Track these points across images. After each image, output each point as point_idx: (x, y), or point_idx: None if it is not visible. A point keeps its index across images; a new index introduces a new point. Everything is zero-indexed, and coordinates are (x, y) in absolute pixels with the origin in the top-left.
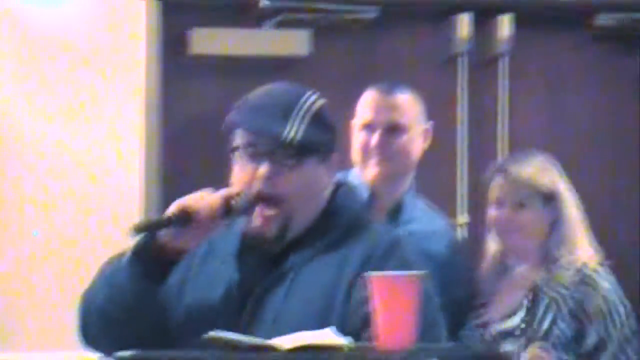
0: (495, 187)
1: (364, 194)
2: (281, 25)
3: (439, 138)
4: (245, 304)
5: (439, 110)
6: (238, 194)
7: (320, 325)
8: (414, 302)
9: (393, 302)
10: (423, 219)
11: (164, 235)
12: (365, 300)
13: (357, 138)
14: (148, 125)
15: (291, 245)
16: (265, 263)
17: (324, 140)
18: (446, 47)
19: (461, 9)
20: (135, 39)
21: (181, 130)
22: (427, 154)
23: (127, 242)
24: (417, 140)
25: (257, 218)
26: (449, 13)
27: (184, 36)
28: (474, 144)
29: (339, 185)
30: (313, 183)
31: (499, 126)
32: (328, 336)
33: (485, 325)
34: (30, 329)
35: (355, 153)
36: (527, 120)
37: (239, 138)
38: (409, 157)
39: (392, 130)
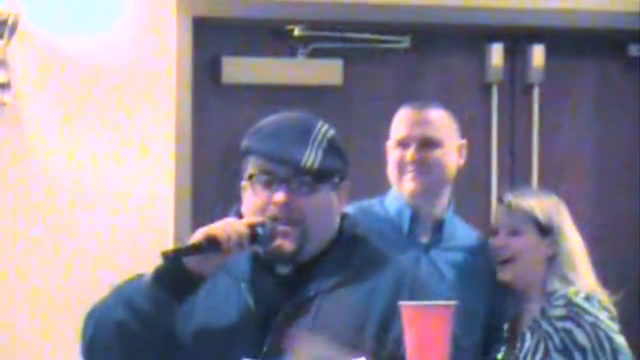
0: (494, 215)
1: (406, 212)
2: (314, 54)
3: (473, 164)
4: (262, 330)
5: (473, 137)
6: (260, 223)
7: (352, 348)
8: (446, 331)
9: (424, 331)
10: (463, 235)
11: (190, 261)
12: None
13: (393, 155)
14: (179, 154)
15: (305, 270)
16: (281, 289)
17: (338, 167)
18: (479, 75)
19: (494, 37)
20: (167, 67)
21: (212, 160)
22: (462, 179)
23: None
24: (451, 154)
25: (280, 238)
26: (481, 41)
27: (216, 65)
28: (508, 170)
29: (343, 217)
30: (327, 209)
31: (533, 153)
32: None
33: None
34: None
35: (392, 170)
36: (561, 147)
37: (252, 165)
38: (444, 171)
39: (427, 144)
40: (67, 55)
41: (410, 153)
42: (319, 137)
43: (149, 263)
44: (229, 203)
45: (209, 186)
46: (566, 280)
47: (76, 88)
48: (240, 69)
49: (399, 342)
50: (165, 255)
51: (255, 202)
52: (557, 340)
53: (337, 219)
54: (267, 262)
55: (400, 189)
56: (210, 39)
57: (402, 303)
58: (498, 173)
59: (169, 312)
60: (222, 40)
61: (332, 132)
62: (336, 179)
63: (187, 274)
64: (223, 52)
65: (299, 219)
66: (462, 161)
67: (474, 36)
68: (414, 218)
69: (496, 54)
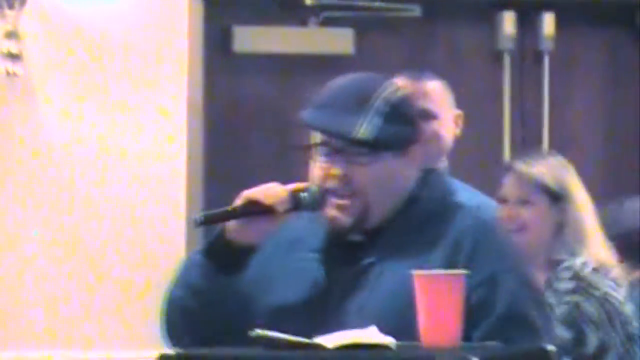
0: (503, 184)
1: None
2: (325, 23)
3: (484, 133)
4: (329, 299)
5: (484, 106)
6: (306, 189)
7: (403, 319)
8: (458, 300)
9: (437, 300)
10: (466, 196)
11: (231, 230)
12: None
13: None
14: (191, 123)
15: (373, 238)
16: (350, 257)
17: (401, 133)
18: (490, 44)
19: (505, 5)
20: (178, 37)
21: (224, 129)
22: (473, 148)
23: (173, 243)
24: (448, 126)
25: (331, 209)
26: (492, 9)
27: (227, 34)
28: (519, 139)
29: (427, 173)
30: (390, 177)
31: (544, 121)
32: (373, 335)
33: None
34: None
35: None
36: (571, 116)
37: (311, 135)
38: (440, 143)
39: (423, 117)
40: (78, 26)
41: None
42: (378, 102)
43: (161, 236)
44: (241, 172)
45: (222, 155)
46: (574, 250)
47: (87, 59)
48: (251, 39)
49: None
50: (200, 220)
51: (316, 173)
52: (560, 311)
53: (408, 183)
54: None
55: None
56: (222, 9)
57: (414, 272)
58: (509, 141)
59: (220, 286)
60: (233, 9)
61: (397, 95)
62: (401, 145)
63: (231, 245)
64: (234, 22)
65: (359, 191)
66: (458, 131)
67: (485, 4)
68: None
69: (507, 22)
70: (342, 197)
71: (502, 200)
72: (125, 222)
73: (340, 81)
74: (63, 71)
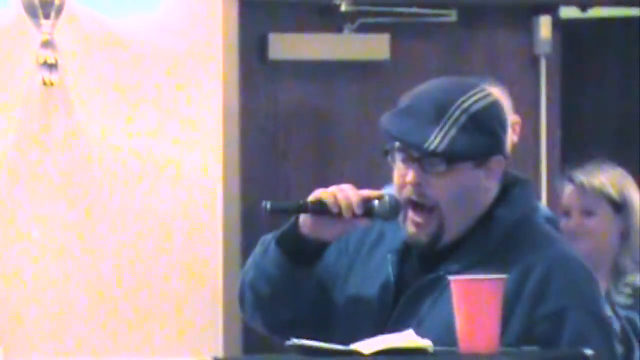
0: (565, 196)
1: None
2: (361, 29)
3: (521, 138)
4: (394, 305)
5: (520, 111)
6: (381, 197)
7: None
8: (496, 305)
9: (475, 305)
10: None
11: (302, 224)
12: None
13: None
14: (227, 131)
15: (450, 249)
16: (424, 264)
17: (479, 145)
18: (527, 48)
19: (541, 9)
20: (214, 44)
21: (260, 136)
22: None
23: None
24: None
25: (410, 224)
26: (528, 13)
27: (263, 42)
28: (557, 143)
29: (511, 186)
30: (467, 189)
31: (581, 127)
32: (410, 339)
33: None
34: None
35: None
36: (606, 121)
37: (389, 141)
38: None
39: None
40: (114, 34)
41: None
42: (456, 113)
43: (197, 239)
44: (278, 180)
45: (257, 162)
46: (637, 260)
47: (123, 68)
48: (286, 46)
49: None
50: (268, 209)
51: (395, 179)
52: (616, 326)
53: (487, 197)
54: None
55: None
56: (257, 16)
57: (451, 278)
58: (546, 147)
59: (291, 276)
60: (269, 16)
61: (477, 105)
62: (480, 156)
63: (302, 238)
64: (270, 29)
65: (432, 202)
66: (515, 138)
67: (521, 9)
68: None
69: (544, 26)
70: (419, 211)
71: (565, 212)
72: (161, 230)
73: (424, 87)
74: (99, 80)
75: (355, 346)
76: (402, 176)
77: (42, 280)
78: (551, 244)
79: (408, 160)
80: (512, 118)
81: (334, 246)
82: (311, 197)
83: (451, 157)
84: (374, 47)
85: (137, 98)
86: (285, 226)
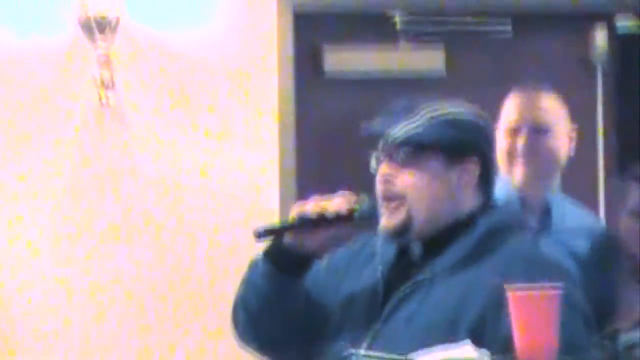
0: (630, 198)
1: (515, 198)
2: (416, 41)
3: (579, 148)
4: (385, 305)
5: (577, 121)
6: (362, 200)
7: (447, 334)
8: (553, 317)
9: (531, 317)
10: (573, 217)
11: (288, 239)
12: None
13: (502, 142)
14: (282, 144)
15: (430, 255)
16: (408, 272)
17: (448, 138)
18: (582, 59)
19: (596, 19)
20: (268, 57)
21: (315, 149)
22: (569, 162)
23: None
24: (563, 140)
25: (384, 215)
26: (583, 23)
27: (318, 54)
28: (614, 153)
29: (493, 206)
30: (436, 183)
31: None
32: (467, 352)
33: (614, 334)
34: None
35: (501, 156)
36: None
37: (367, 141)
38: (555, 158)
39: (538, 130)
40: (169, 51)
41: (521, 139)
42: (429, 112)
43: (254, 252)
44: (334, 192)
45: (313, 175)
46: None
47: (179, 84)
48: (341, 58)
49: (500, 339)
50: (257, 234)
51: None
52: None
53: (464, 199)
54: (403, 245)
55: (510, 176)
56: (312, 29)
57: (507, 288)
58: (603, 156)
59: (280, 286)
60: (324, 29)
61: (454, 110)
62: (450, 155)
63: (290, 252)
64: (324, 42)
65: (399, 193)
66: (572, 146)
67: (576, 19)
68: (523, 204)
69: (599, 36)
70: (389, 200)
71: (633, 214)
72: (220, 243)
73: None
74: (155, 97)
75: (412, 357)
76: (378, 174)
77: (90, 292)
78: (530, 246)
79: (382, 157)
80: (569, 127)
81: (323, 267)
82: (294, 214)
83: (416, 147)
84: (429, 59)
85: (193, 113)
86: (270, 243)
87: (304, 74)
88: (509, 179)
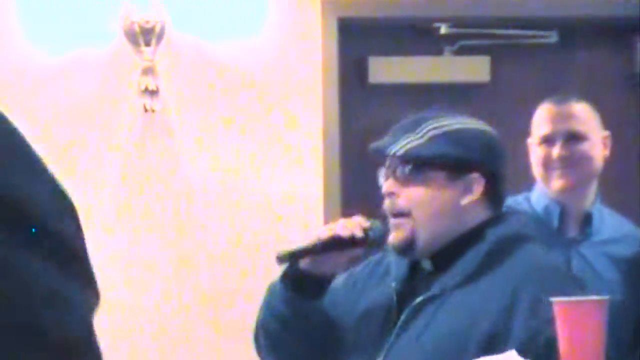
0: None
1: (554, 208)
2: (460, 51)
3: (622, 158)
4: (397, 326)
5: (622, 131)
6: (373, 224)
7: (457, 348)
8: (600, 327)
9: (577, 327)
10: (612, 225)
11: (304, 263)
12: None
13: (537, 152)
14: (327, 154)
15: (440, 271)
16: (419, 288)
17: (451, 155)
18: (628, 68)
19: None
20: (313, 69)
21: (360, 159)
22: (610, 173)
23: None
24: (597, 147)
25: (391, 231)
26: (629, 33)
27: (363, 65)
28: None
29: (507, 213)
30: (440, 200)
31: None
32: None
33: None
34: None
35: (536, 168)
36: None
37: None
38: (591, 165)
39: (572, 139)
40: (213, 60)
41: (556, 149)
42: (430, 127)
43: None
44: (379, 204)
45: (358, 186)
46: None
47: (223, 93)
48: (386, 69)
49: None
50: (280, 259)
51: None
52: None
53: (470, 215)
54: (414, 261)
55: (547, 186)
56: (356, 40)
57: (553, 299)
58: None
59: (298, 308)
60: (368, 40)
61: (456, 126)
62: (452, 170)
63: (307, 275)
64: (369, 52)
65: (405, 209)
66: (607, 152)
67: (622, 29)
68: (563, 214)
69: None
70: (395, 216)
71: None
72: (264, 254)
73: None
74: (199, 106)
75: None
76: (383, 190)
77: (139, 305)
78: (540, 255)
79: (386, 174)
80: (603, 133)
81: (341, 285)
82: (314, 239)
83: (417, 163)
84: (474, 69)
85: (237, 123)
86: (286, 267)
87: (349, 85)
88: (546, 189)
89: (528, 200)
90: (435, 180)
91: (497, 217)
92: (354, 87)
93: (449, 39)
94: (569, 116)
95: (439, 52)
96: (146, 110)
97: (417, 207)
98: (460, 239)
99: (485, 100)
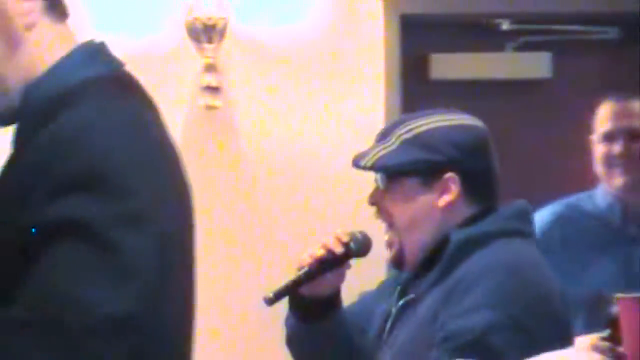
0: None
1: (617, 207)
2: (522, 48)
3: None
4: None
5: None
6: (351, 236)
7: (420, 352)
8: None
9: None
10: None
11: (304, 289)
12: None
13: (599, 150)
14: None
15: (418, 274)
16: (403, 292)
17: (421, 160)
18: None
19: None
20: (375, 65)
21: None
22: None
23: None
24: None
25: (386, 247)
26: None
27: (425, 61)
28: None
29: (488, 210)
30: (418, 206)
31: None
32: None
33: None
34: None
35: (599, 165)
36: None
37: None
38: None
39: (634, 136)
40: (275, 57)
41: (617, 146)
42: (400, 132)
43: (360, 274)
44: None
45: None
46: None
47: (285, 88)
48: (448, 65)
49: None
50: (266, 301)
51: None
52: None
53: (451, 216)
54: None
55: (610, 184)
56: (418, 36)
57: (617, 295)
58: None
59: (316, 334)
60: (430, 37)
61: (423, 128)
62: (425, 174)
63: (311, 300)
64: (431, 49)
65: (388, 220)
66: None
67: None
68: (626, 212)
69: None
70: (386, 231)
71: None
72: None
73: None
74: (262, 103)
75: None
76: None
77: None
78: (497, 253)
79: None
80: None
81: (367, 295)
82: (295, 275)
83: (390, 172)
84: (536, 65)
85: (299, 118)
86: (289, 296)
87: (411, 82)
88: (608, 187)
89: (591, 198)
90: (411, 187)
91: (483, 212)
92: (415, 84)
93: (511, 35)
94: (630, 114)
95: (500, 49)
96: (208, 107)
97: (396, 218)
98: (441, 241)
99: (547, 96)
